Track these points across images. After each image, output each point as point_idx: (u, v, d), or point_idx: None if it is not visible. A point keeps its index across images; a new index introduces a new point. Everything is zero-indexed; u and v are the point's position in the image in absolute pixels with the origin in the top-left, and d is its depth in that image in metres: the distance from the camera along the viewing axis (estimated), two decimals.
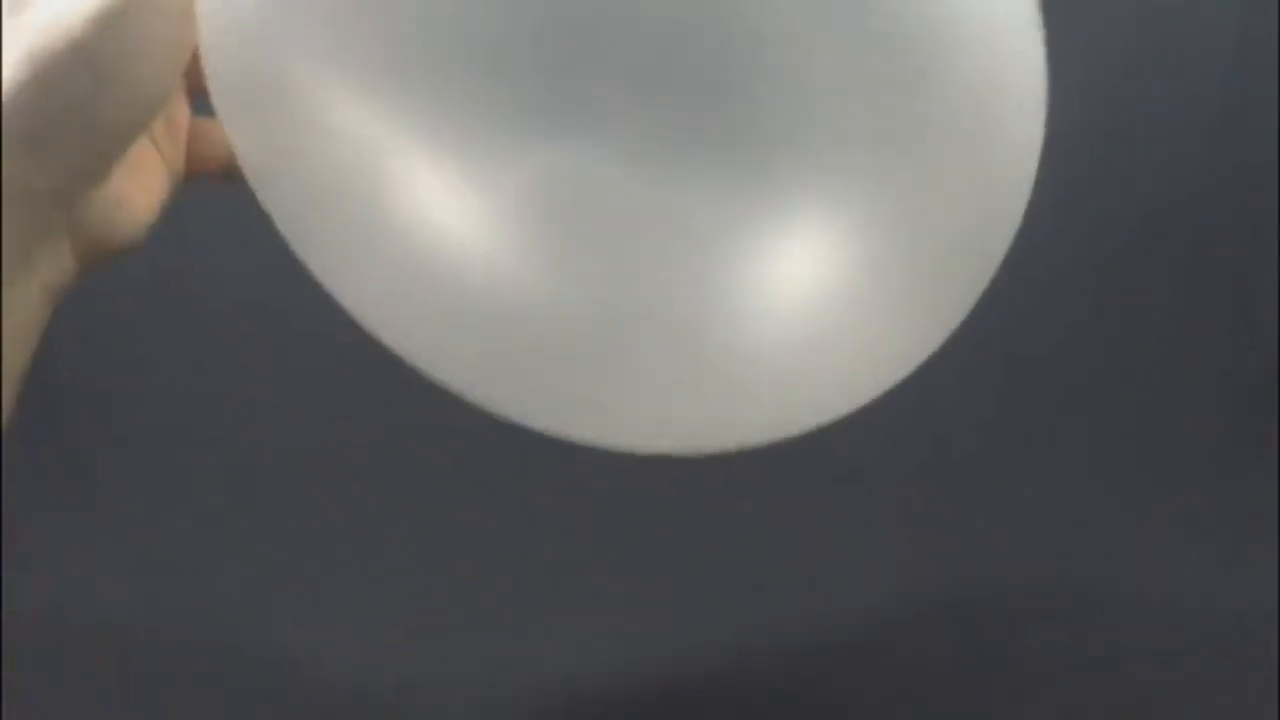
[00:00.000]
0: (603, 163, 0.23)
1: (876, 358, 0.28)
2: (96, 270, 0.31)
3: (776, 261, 0.24)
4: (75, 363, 0.60)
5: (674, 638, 0.50)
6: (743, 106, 0.23)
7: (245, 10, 0.26)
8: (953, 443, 0.58)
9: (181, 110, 0.33)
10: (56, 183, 0.27)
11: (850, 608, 0.51)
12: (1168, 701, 0.55)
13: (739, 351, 0.25)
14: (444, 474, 0.58)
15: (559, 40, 0.23)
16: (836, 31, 0.23)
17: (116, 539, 0.56)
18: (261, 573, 0.54)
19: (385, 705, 0.47)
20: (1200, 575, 0.57)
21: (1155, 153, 0.61)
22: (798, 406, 0.28)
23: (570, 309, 0.25)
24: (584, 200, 0.24)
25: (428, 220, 0.25)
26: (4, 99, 0.25)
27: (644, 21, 0.22)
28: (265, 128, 0.27)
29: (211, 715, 0.46)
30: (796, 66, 0.23)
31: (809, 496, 0.54)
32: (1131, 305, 0.60)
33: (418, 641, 0.51)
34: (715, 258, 0.24)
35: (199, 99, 0.32)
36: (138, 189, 0.31)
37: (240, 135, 0.28)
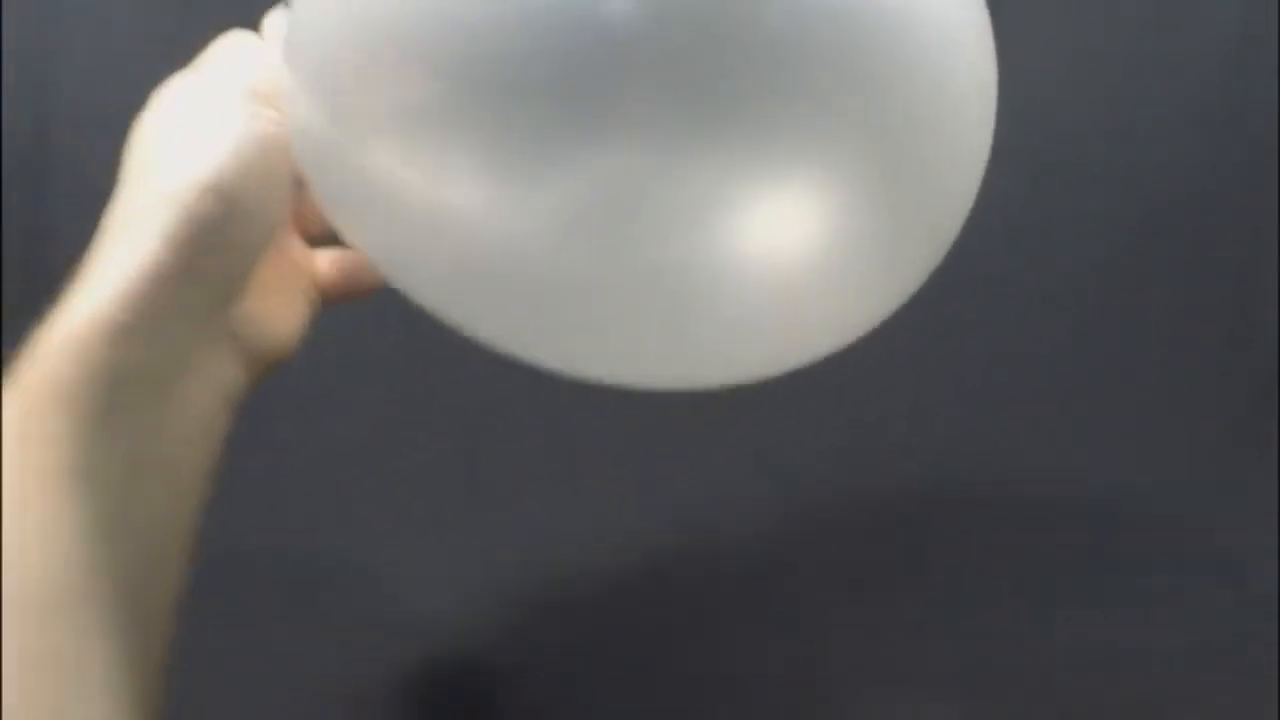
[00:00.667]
0: (624, 163, 0.27)
1: (858, 300, 0.33)
2: (262, 379, 0.37)
3: (767, 217, 0.29)
4: None
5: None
6: (743, 94, 0.27)
7: (313, 122, 0.32)
8: (952, 443, 0.58)
9: (300, 248, 0.41)
10: (210, 297, 0.33)
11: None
12: (1167, 702, 0.55)
13: (734, 298, 0.30)
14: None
15: (583, 71, 0.27)
16: (818, 26, 0.28)
17: None
18: (260, 568, 0.54)
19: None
20: (1200, 575, 0.57)
21: (1155, 153, 0.61)
22: (788, 345, 0.33)
23: (586, 273, 0.30)
24: (605, 192, 0.28)
25: (476, 231, 0.29)
26: (164, 232, 0.32)
27: (656, 41, 0.27)
28: (347, 193, 0.33)
29: None
30: (785, 55, 0.27)
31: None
32: (1131, 305, 0.60)
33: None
34: (713, 218, 0.28)
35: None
36: (276, 306, 0.38)
37: (332, 210, 0.35)
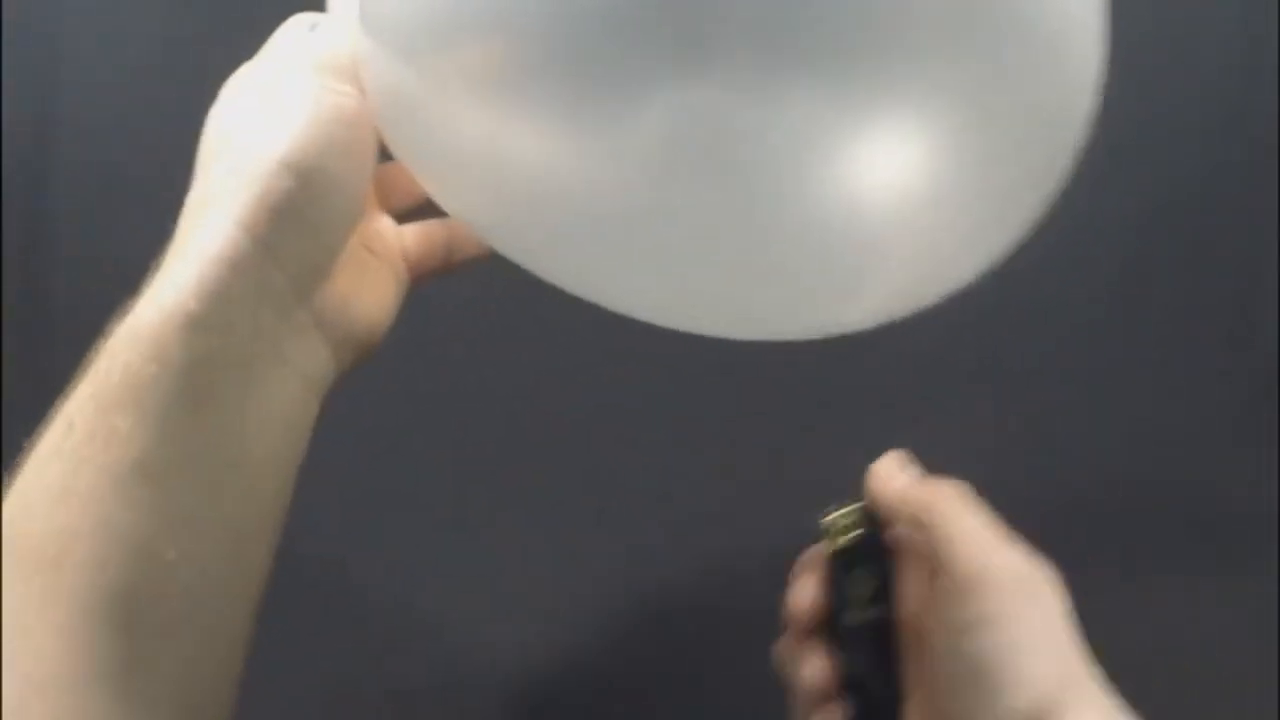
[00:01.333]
0: (711, 100, 0.26)
1: (963, 243, 0.32)
2: (353, 366, 0.35)
3: (868, 162, 0.28)
4: (75, 363, 0.60)
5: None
6: (837, 21, 0.26)
7: (397, 85, 0.31)
8: (951, 443, 0.58)
9: (386, 224, 0.39)
10: (292, 279, 0.31)
11: None
12: (1167, 702, 0.55)
13: (840, 245, 0.29)
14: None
15: (672, 6, 0.26)
16: None
17: None
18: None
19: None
20: (1200, 575, 0.57)
21: (1155, 153, 0.61)
22: (901, 290, 0.32)
23: (690, 225, 0.29)
24: (697, 133, 0.27)
25: (560, 171, 0.29)
26: (239, 216, 0.30)
27: None
28: (436, 155, 0.32)
29: None
30: None
31: None
32: (1131, 305, 0.60)
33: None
34: (813, 162, 0.27)
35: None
36: (365, 289, 0.36)
37: (411, 161, 0.33)
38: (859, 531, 0.37)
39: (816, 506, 0.39)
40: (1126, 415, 0.59)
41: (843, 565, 0.37)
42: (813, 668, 0.37)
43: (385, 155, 0.34)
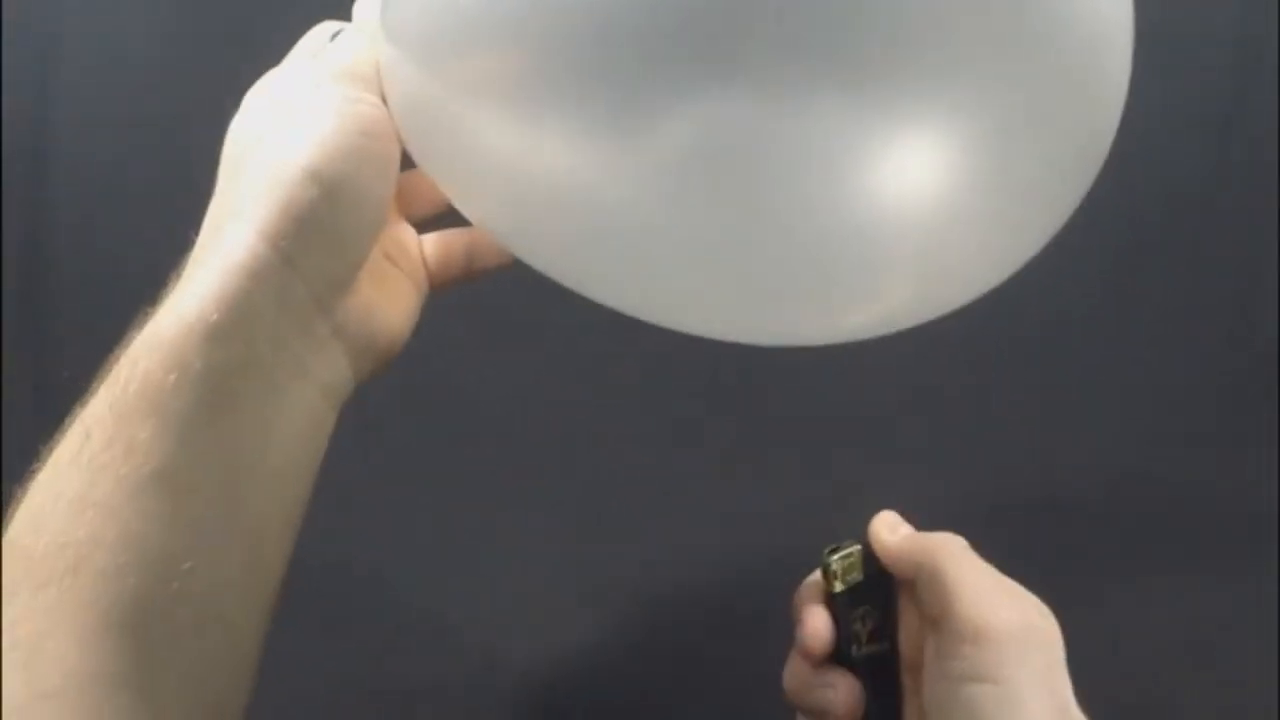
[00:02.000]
0: (741, 109, 0.26)
1: (992, 252, 0.32)
2: (372, 376, 0.35)
3: (898, 170, 0.28)
4: (75, 363, 0.60)
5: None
6: (868, 35, 0.26)
7: (421, 93, 0.31)
8: (950, 443, 0.58)
9: (407, 233, 0.39)
10: (314, 290, 0.31)
11: None
12: (1168, 701, 0.55)
13: (866, 254, 0.29)
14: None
15: (700, 12, 0.26)
16: None
17: None
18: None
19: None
20: (1200, 575, 0.57)
21: (1155, 153, 0.61)
22: (922, 298, 0.33)
23: (715, 233, 0.29)
24: (724, 142, 0.27)
25: (584, 180, 0.29)
26: (261, 226, 0.30)
27: None
28: (458, 162, 0.32)
29: None
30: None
31: None
32: (1131, 305, 0.60)
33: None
34: (842, 170, 0.27)
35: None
36: (386, 298, 0.35)
37: (433, 169, 0.33)
38: (860, 576, 0.38)
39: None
40: (1126, 415, 0.59)
41: (846, 603, 0.38)
42: (844, 694, 0.37)
43: (406, 164, 0.34)
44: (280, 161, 0.31)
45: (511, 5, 0.28)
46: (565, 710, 0.57)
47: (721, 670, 0.56)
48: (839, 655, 0.38)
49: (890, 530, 0.38)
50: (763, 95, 0.26)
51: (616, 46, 0.27)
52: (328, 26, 0.36)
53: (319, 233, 0.31)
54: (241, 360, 0.30)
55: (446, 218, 0.38)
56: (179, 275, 0.32)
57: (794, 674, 0.39)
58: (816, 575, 0.39)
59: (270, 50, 0.63)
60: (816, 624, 0.38)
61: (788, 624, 0.40)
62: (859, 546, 0.39)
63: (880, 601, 0.38)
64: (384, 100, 0.33)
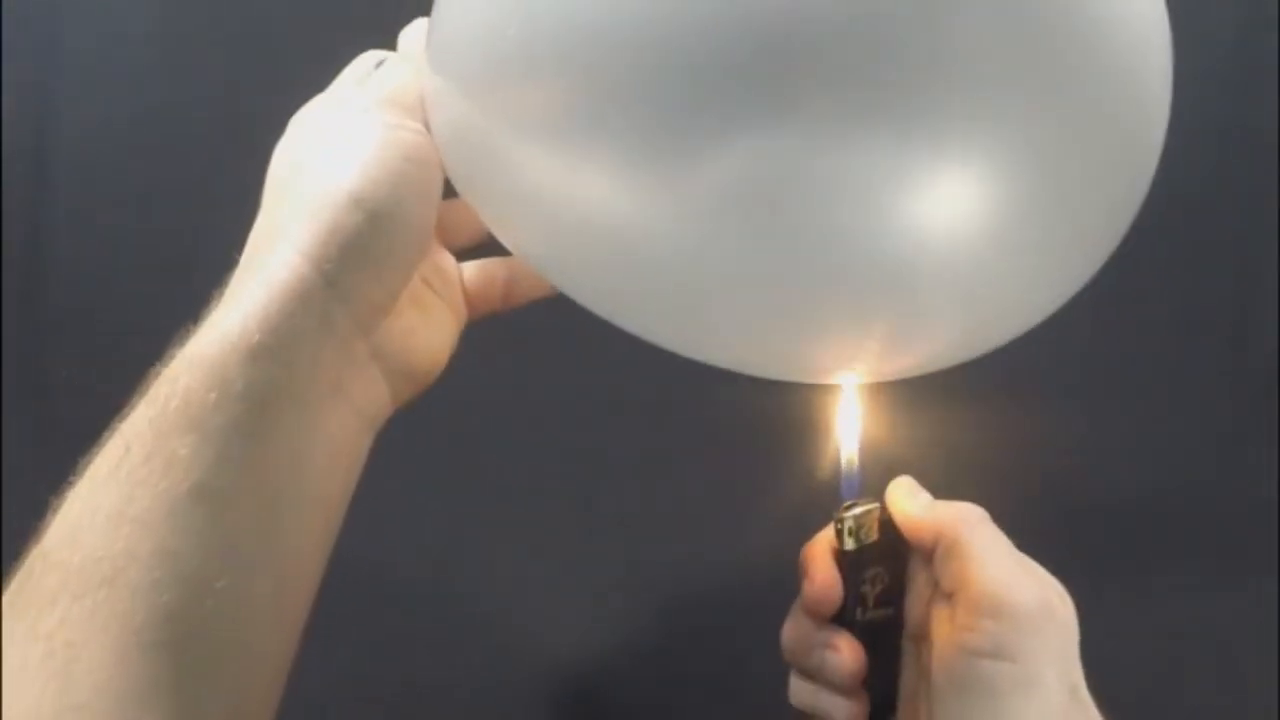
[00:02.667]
0: (786, 144, 0.27)
1: (1037, 287, 0.32)
2: (408, 400, 0.35)
3: (939, 205, 0.28)
4: (75, 363, 0.60)
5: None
6: (913, 71, 0.26)
7: (464, 123, 0.31)
8: (950, 443, 0.58)
9: (447, 260, 0.39)
10: (355, 313, 0.31)
11: None
12: (1167, 701, 0.55)
13: (908, 289, 0.29)
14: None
15: (754, 50, 0.26)
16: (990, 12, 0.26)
17: None
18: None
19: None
20: (1200, 575, 0.57)
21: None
22: (968, 333, 0.33)
23: (757, 270, 0.29)
24: (768, 178, 0.27)
25: (628, 214, 0.29)
26: (305, 248, 0.30)
27: (829, 17, 0.26)
28: (500, 192, 0.32)
29: None
30: (955, 35, 0.26)
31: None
32: (1131, 305, 0.60)
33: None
34: (884, 206, 0.27)
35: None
36: (425, 324, 0.36)
37: (475, 199, 0.33)
38: (874, 537, 0.37)
39: (829, 505, 0.38)
40: (1126, 415, 0.59)
41: (855, 563, 0.37)
42: (847, 657, 0.36)
43: (448, 193, 0.34)
44: (325, 186, 0.31)
45: (557, 38, 0.28)
46: (566, 709, 0.57)
47: (722, 668, 0.56)
48: (843, 616, 0.37)
49: (909, 495, 0.38)
50: (807, 131, 0.26)
51: (663, 82, 0.27)
52: (373, 55, 0.37)
53: (362, 256, 0.31)
54: (282, 380, 0.30)
55: (487, 246, 0.38)
56: (221, 295, 0.32)
57: (795, 631, 0.38)
58: (829, 530, 0.38)
59: (270, 50, 0.63)
60: (825, 580, 0.37)
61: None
62: (876, 506, 0.38)
63: (891, 565, 0.37)
64: (427, 128, 0.33)
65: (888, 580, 0.37)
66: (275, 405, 0.30)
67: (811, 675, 0.37)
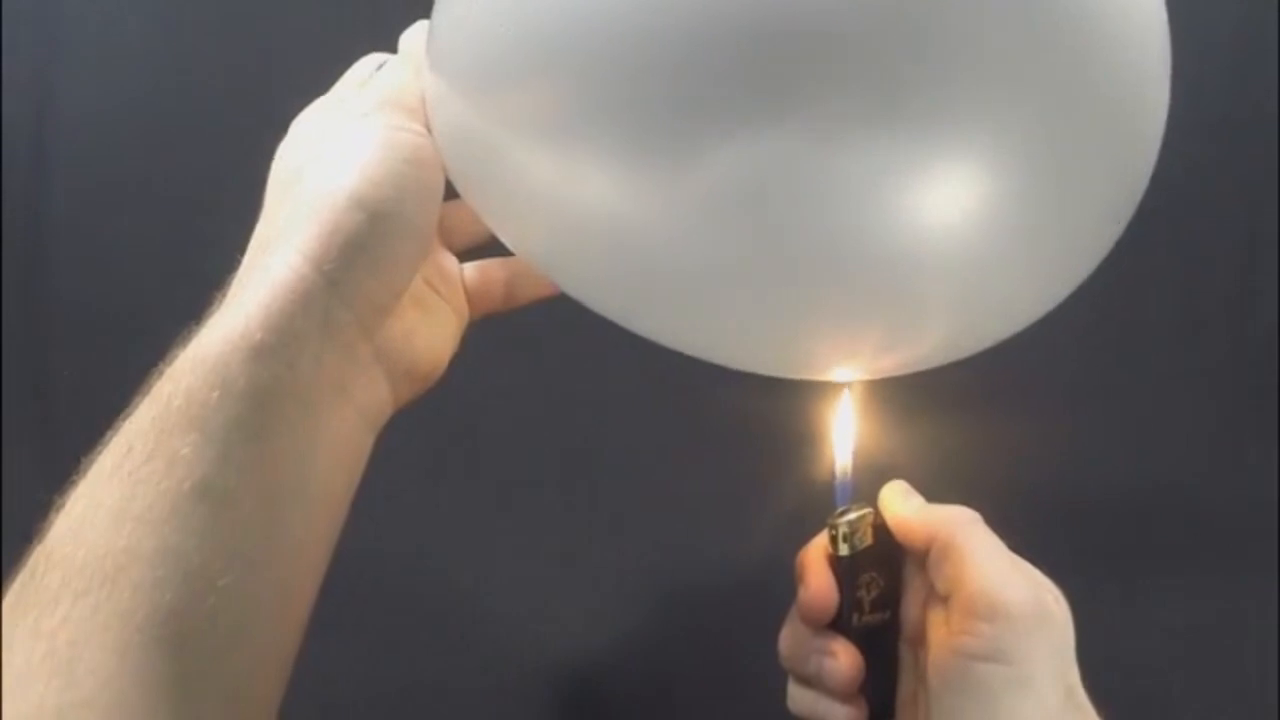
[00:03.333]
0: (784, 145, 0.27)
1: (1030, 283, 0.32)
2: (410, 400, 0.36)
3: (934, 204, 0.28)
4: (75, 363, 0.60)
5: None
6: (912, 72, 0.26)
7: (465, 124, 0.32)
8: (950, 444, 0.58)
9: (449, 261, 0.39)
10: (357, 313, 0.32)
11: None
12: (1167, 701, 0.55)
13: (904, 286, 0.29)
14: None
15: (748, 49, 0.26)
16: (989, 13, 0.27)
17: None
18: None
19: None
20: (1200, 575, 0.57)
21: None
22: (964, 330, 0.33)
23: (755, 268, 0.29)
24: (766, 178, 0.27)
25: (627, 213, 0.29)
26: (306, 249, 0.31)
27: (823, 16, 0.26)
28: (501, 193, 0.32)
29: None
30: (950, 34, 0.26)
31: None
32: (1131, 304, 0.60)
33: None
34: (879, 204, 0.27)
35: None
36: (427, 324, 0.36)
37: (475, 199, 0.34)
38: (868, 542, 0.37)
39: (824, 511, 0.39)
40: (1126, 415, 0.59)
41: (850, 569, 0.37)
42: (844, 663, 0.36)
43: (449, 194, 0.35)
44: (326, 187, 0.31)
45: (555, 40, 0.28)
46: (565, 709, 0.57)
47: (725, 666, 0.56)
48: (839, 622, 0.37)
49: (902, 498, 0.38)
50: (802, 130, 0.27)
51: (658, 81, 0.27)
52: (374, 58, 0.37)
53: (363, 257, 0.31)
54: (284, 379, 0.30)
55: (489, 247, 0.38)
56: (223, 295, 0.32)
57: (791, 638, 0.38)
58: (823, 537, 0.38)
59: (272, 51, 0.63)
60: (820, 586, 0.37)
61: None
62: (869, 511, 0.38)
63: (886, 570, 0.38)
64: (428, 130, 0.33)
65: (883, 585, 0.38)
66: (277, 404, 0.30)
67: (809, 682, 0.37)
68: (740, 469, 0.57)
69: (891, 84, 0.26)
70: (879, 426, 0.41)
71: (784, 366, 0.34)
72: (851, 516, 0.37)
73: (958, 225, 0.28)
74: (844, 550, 0.37)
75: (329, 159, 0.32)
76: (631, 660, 0.57)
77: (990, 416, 0.59)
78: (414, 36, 0.37)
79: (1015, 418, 0.59)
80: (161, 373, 0.31)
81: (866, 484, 0.39)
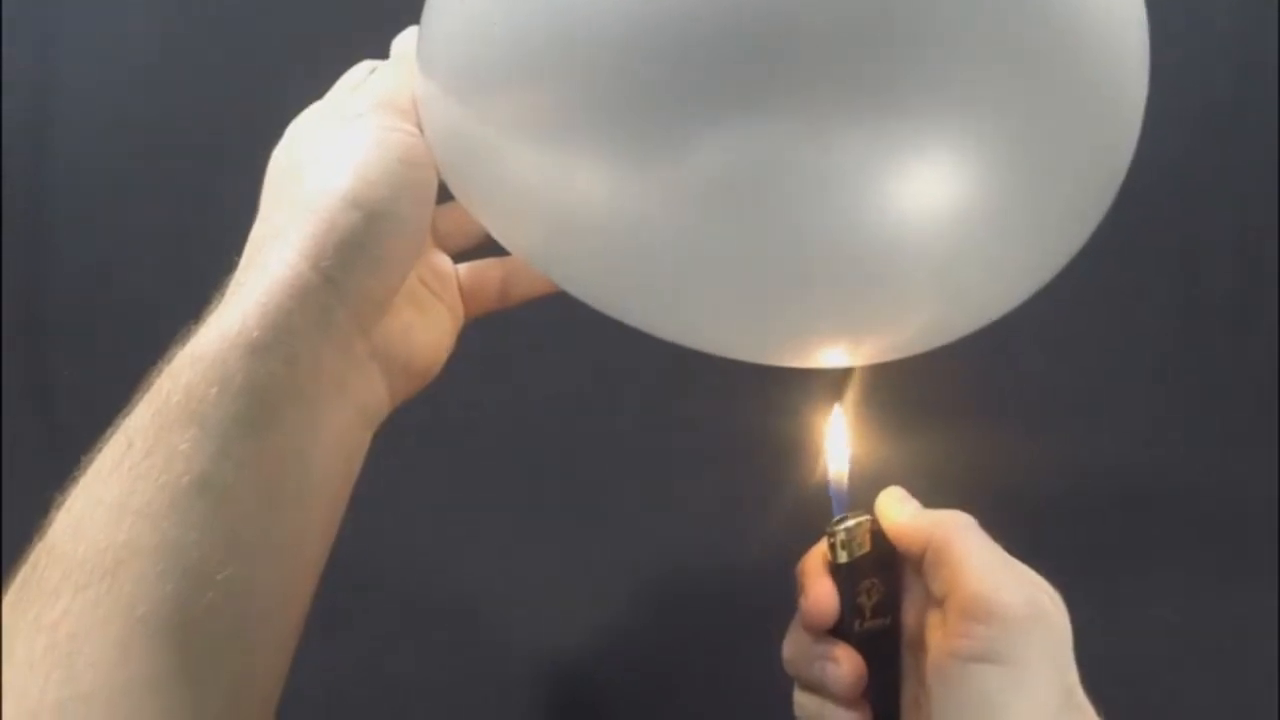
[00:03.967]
0: (766, 136, 0.27)
1: (1012, 273, 0.33)
2: (406, 398, 0.36)
3: (918, 191, 0.28)
4: (75, 363, 0.60)
5: None
6: (890, 62, 0.27)
7: (455, 124, 0.32)
8: (950, 444, 0.58)
9: (444, 261, 0.40)
10: (353, 310, 0.32)
11: None
12: (1167, 701, 0.55)
13: (890, 271, 0.30)
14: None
15: (732, 41, 0.26)
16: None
17: None
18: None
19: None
20: (1200, 574, 0.57)
21: (1155, 153, 0.61)
22: (945, 318, 0.33)
23: (741, 258, 0.29)
24: (750, 169, 0.27)
25: (616, 207, 0.29)
26: (302, 247, 0.31)
27: (805, 8, 0.26)
28: (493, 191, 0.33)
29: None
30: (932, 24, 0.27)
31: None
32: (1130, 305, 0.60)
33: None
34: (867, 192, 0.28)
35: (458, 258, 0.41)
36: (423, 323, 0.37)
37: (468, 198, 0.34)
38: (866, 549, 0.38)
39: (822, 514, 0.39)
40: (1126, 415, 0.59)
41: (849, 576, 0.38)
42: (847, 669, 0.37)
43: (444, 196, 0.35)
44: (321, 187, 0.32)
45: (538, 40, 0.28)
46: (564, 709, 0.57)
47: (725, 664, 0.56)
48: (840, 628, 0.38)
49: (898, 504, 0.38)
50: (787, 121, 0.27)
51: (642, 76, 0.27)
52: (367, 64, 0.38)
53: (359, 254, 0.32)
54: (281, 375, 0.30)
55: (485, 249, 0.39)
56: (222, 296, 0.33)
57: (794, 645, 0.38)
58: (822, 545, 0.39)
59: (269, 54, 0.63)
60: (821, 594, 0.37)
61: (792, 616, 0.39)
62: (866, 518, 0.38)
63: (885, 576, 0.38)
64: (421, 130, 0.34)
65: (883, 590, 0.38)
66: (275, 400, 0.30)
67: (814, 688, 0.38)
68: (740, 469, 0.57)
69: (875, 74, 0.27)
70: (875, 433, 0.41)
71: (776, 354, 0.34)
72: (849, 524, 0.38)
73: (941, 212, 0.29)
74: (842, 557, 0.38)
75: (324, 159, 0.33)
76: (631, 662, 0.57)
77: (990, 417, 0.59)
78: (406, 40, 0.38)
79: (1015, 418, 0.59)
80: (161, 370, 0.31)
81: (865, 491, 0.39)
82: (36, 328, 0.59)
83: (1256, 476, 0.58)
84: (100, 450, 0.31)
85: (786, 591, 0.39)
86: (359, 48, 0.39)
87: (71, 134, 0.60)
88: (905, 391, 0.59)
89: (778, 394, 0.55)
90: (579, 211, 0.30)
